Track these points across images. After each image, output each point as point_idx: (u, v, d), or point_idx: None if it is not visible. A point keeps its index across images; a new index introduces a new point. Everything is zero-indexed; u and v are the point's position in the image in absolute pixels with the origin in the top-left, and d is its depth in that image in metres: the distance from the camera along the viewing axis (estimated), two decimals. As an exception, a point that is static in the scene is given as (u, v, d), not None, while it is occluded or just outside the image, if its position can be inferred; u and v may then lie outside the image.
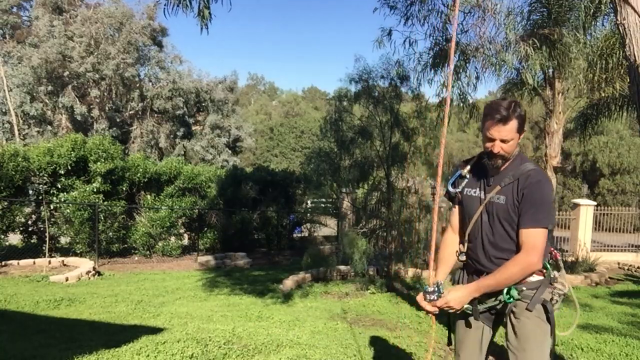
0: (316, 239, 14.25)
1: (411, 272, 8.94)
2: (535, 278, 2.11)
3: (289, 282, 8.43)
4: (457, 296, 2.12)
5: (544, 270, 2.12)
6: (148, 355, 3.97)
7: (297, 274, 8.96)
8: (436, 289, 2.15)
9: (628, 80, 3.69)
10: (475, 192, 2.26)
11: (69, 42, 24.28)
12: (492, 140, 2.10)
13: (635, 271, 12.05)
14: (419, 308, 6.67)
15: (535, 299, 2.07)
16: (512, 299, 2.09)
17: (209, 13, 4.79)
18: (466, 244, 2.30)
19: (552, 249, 2.21)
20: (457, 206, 2.37)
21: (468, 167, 2.32)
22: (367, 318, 6.14)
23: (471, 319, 2.26)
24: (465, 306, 2.17)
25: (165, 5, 4.65)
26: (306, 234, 15.07)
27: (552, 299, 2.11)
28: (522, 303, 2.10)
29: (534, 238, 2.02)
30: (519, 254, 2.05)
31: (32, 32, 25.26)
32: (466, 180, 2.30)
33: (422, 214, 8.35)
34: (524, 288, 2.10)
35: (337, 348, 4.45)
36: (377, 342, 4.78)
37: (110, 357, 3.92)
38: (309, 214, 14.53)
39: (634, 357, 4.47)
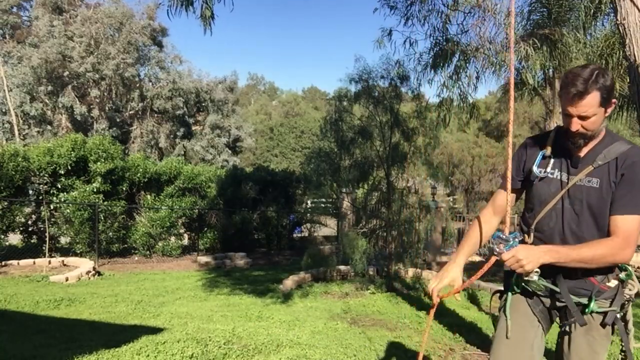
0: (316, 239, 14.25)
1: (411, 272, 8.94)
2: (613, 283, 1.84)
3: (289, 282, 8.42)
4: (530, 254, 1.69)
5: (619, 273, 1.85)
6: (148, 355, 3.97)
7: (297, 274, 8.96)
8: (512, 238, 1.74)
9: (628, 80, 3.69)
10: (553, 174, 1.90)
11: (69, 42, 24.29)
12: (570, 116, 1.78)
13: (635, 271, 12.05)
14: (419, 308, 6.61)
15: (611, 314, 1.83)
16: (589, 310, 1.84)
17: (212, 14, 4.80)
18: (533, 235, 1.93)
19: None
20: (508, 189, 1.93)
21: (549, 147, 1.94)
22: (367, 318, 6.13)
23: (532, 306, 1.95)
24: (541, 282, 1.86)
25: (168, 6, 4.66)
26: (306, 234, 15.07)
27: (625, 312, 1.88)
28: (597, 316, 1.85)
29: (630, 226, 1.72)
30: (609, 238, 1.76)
31: (32, 32, 25.27)
32: (552, 160, 1.92)
33: (422, 214, 8.34)
34: (602, 299, 1.85)
35: (337, 348, 4.45)
36: (377, 342, 4.78)
37: (110, 357, 3.92)
38: (309, 214, 14.54)
39: (634, 356, 4.46)
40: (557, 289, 1.87)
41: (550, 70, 8.97)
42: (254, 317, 6.01)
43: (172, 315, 6.06)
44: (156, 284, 8.79)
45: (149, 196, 12.59)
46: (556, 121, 9.74)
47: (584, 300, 1.85)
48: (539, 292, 1.93)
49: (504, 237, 1.74)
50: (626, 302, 1.87)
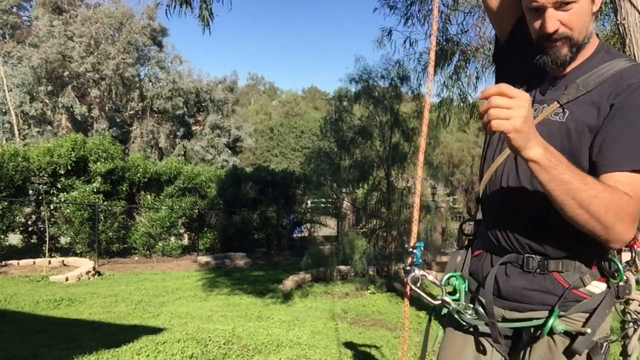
0: (316, 239, 14.26)
1: (411, 272, 8.94)
2: (596, 288, 1.19)
3: (289, 282, 8.42)
4: (526, 116, 0.97)
5: (608, 276, 1.19)
6: (148, 355, 3.97)
7: (297, 274, 8.96)
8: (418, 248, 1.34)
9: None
10: None
11: (69, 42, 24.28)
12: (540, 10, 1.13)
13: (635, 271, 12.05)
14: (420, 308, 6.63)
15: (584, 338, 1.15)
16: (547, 331, 1.18)
17: (210, 14, 4.80)
18: (478, 208, 1.38)
19: None
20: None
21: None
22: (367, 318, 6.13)
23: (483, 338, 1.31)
24: (467, 316, 1.28)
25: (167, 6, 4.66)
26: (306, 234, 15.08)
27: (625, 342, 1.24)
28: (561, 340, 1.20)
29: (636, 186, 1.05)
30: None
31: (32, 32, 25.26)
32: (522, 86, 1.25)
33: (422, 214, 8.35)
34: (573, 314, 1.19)
35: (337, 348, 4.45)
36: (377, 342, 4.78)
37: (110, 357, 3.92)
38: (309, 214, 14.55)
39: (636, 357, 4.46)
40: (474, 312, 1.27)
41: (550, 70, 8.98)
42: (254, 317, 6.01)
43: (172, 315, 6.06)
44: (156, 284, 8.79)
45: (149, 196, 12.59)
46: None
47: (539, 315, 1.20)
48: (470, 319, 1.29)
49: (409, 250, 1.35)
50: (628, 325, 1.22)
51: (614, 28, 7.37)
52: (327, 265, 9.19)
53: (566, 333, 1.17)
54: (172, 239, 12.69)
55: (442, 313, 1.34)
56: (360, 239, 7.88)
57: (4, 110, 23.64)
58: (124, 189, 11.98)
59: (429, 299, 1.26)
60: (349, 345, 4.58)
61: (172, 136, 29.32)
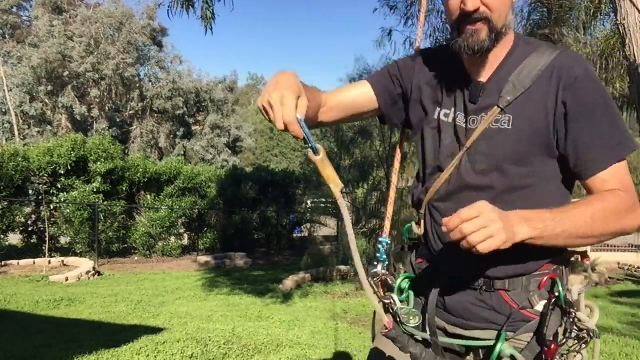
0: (316, 239, 14.27)
1: (411, 272, 8.96)
2: (541, 305, 1.10)
3: (289, 282, 8.42)
4: (500, 218, 0.90)
5: (556, 291, 1.08)
6: (148, 355, 3.97)
7: (297, 274, 8.96)
8: (382, 245, 1.24)
9: (628, 80, 3.70)
10: (446, 116, 1.18)
11: (69, 42, 24.29)
12: None
13: (635, 271, 12.05)
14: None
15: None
16: (495, 357, 1.07)
17: (212, 14, 4.81)
18: (424, 219, 1.22)
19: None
20: (376, 88, 1.29)
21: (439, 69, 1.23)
22: (367, 318, 6.13)
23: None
24: (409, 325, 1.15)
25: (169, 7, 4.67)
26: (306, 234, 15.08)
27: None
28: None
29: (622, 174, 1.05)
30: (608, 193, 1.04)
31: (32, 32, 25.27)
32: (442, 91, 1.20)
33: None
34: (521, 335, 1.11)
35: (337, 348, 4.45)
36: (377, 342, 4.78)
37: (110, 357, 3.92)
38: (309, 214, 14.55)
39: (634, 357, 4.46)
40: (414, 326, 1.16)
41: (550, 70, 8.96)
42: (254, 317, 6.01)
43: (172, 315, 6.07)
44: (156, 284, 8.79)
45: (149, 196, 12.59)
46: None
47: (486, 336, 1.12)
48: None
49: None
50: (578, 341, 1.08)
51: (614, 28, 7.36)
52: (327, 265, 9.20)
53: (513, 358, 1.07)
54: (172, 239, 12.70)
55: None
56: (360, 239, 7.88)
57: (4, 110, 23.64)
58: (124, 189, 11.98)
59: (374, 296, 1.12)
60: (348, 345, 4.58)
61: (172, 136, 29.33)
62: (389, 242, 1.27)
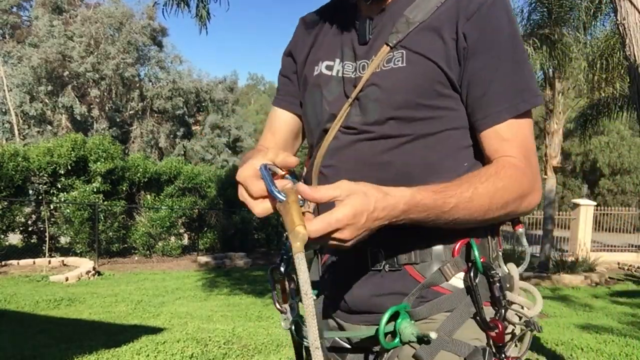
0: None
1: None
2: (457, 280, 0.90)
3: (289, 282, 8.43)
4: (363, 203, 0.70)
5: (470, 266, 0.88)
6: (148, 355, 3.97)
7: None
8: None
9: (628, 80, 3.70)
10: (328, 68, 0.99)
11: (68, 42, 24.30)
12: None
13: (635, 271, 12.06)
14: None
15: (431, 347, 0.83)
16: (397, 342, 0.85)
17: (207, 13, 4.81)
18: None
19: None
20: (283, 103, 1.12)
21: (315, 16, 1.11)
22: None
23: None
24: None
25: (163, 5, 4.67)
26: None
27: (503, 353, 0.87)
28: (408, 350, 0.86)
29: (523, 138, 0.88)
30: (495, 164, 0.87)
31: (32, 32, 25.27)
32: (325, 41, 1.04)
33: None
34: (428, 316, 0.88)
35: (337, 348, 4.45)
36: (377, 342, 4.78)
37: (110, 357, 3.92)
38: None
39: (634, 357, 4.46)
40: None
41: (550, 70, 8.99)
42: (254, 317, 6.01)
43: (172, 315, 6.07)
44: (156, 284, 8.79)
45: (149, 196, 12.60)
46: (556, 121, 9.74)
47: (384, 340, 0.84)
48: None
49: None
50: (510, 333, 0.89)
51: (614, 28, 7.37)
52: (327, 265, 9.19)
53: (420, 341, 0.83)
54: (172, 239, 12.70)
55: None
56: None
57: (4, 110, 23.65)
58: (124, 188, 11.98)
59: (276, 304, 1.00)
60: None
61: (172, 136, 29.34)
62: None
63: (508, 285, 0.92)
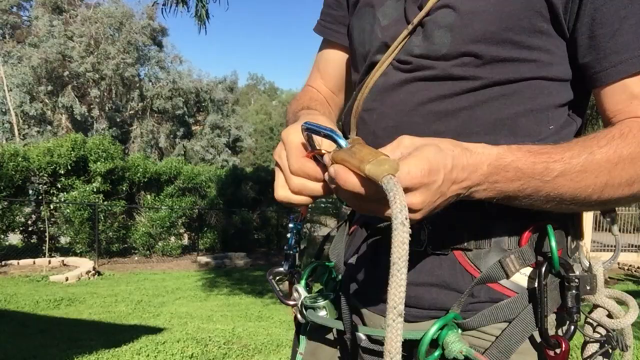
0: (316, 239, 14.26)
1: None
2: (520, 276, 0.68)
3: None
4: (439, 157, 0.52)
5: (539, 250, 0.68)
6: (148, 355, 3.97)
7: (297, 274, 8.97)
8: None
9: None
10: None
11: (68, 42, 24.31)
12: None
13: (635, 271, 12.06)
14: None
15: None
16: (437, 356, 0.64)
17: (207, 13, 4.81)
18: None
19: None
20: (333, 45, 0.92)
21: None
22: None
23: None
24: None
25: (163, 5, 4.68)
26: (306, 234, 15.09)
27: None
28: None
29: None
30: (621, 126, 0.63)
31: (32, 32, 25.28)
32: None
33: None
34: (483, 324, 0.67)
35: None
36: (377, 342, 4.78)
37: (110, 357, 3.92)
38: (309, 214, 14.56)
39: (634, 357, 4.47)
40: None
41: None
42: (254, 317, 6.01)
43: (172, 315, 6.07)
44: (156, 284, 8.79)
45: (149, 196, 12.60)
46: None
47: (422, 327, 0.68)
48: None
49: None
50: (602, 346, 0.68)
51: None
52: (327, 265, 9.20)
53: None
54: (172, 239, 12.71)
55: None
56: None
57: (4, 110, 23.65)
58: (124, 188, 11.99)
59: (281, 298, 0.88)
60: (348, 345, 4.58)
61: (172, 136, 29.35)
62: (300, 225, 0.89)
63: (589, 288, 0.69)
